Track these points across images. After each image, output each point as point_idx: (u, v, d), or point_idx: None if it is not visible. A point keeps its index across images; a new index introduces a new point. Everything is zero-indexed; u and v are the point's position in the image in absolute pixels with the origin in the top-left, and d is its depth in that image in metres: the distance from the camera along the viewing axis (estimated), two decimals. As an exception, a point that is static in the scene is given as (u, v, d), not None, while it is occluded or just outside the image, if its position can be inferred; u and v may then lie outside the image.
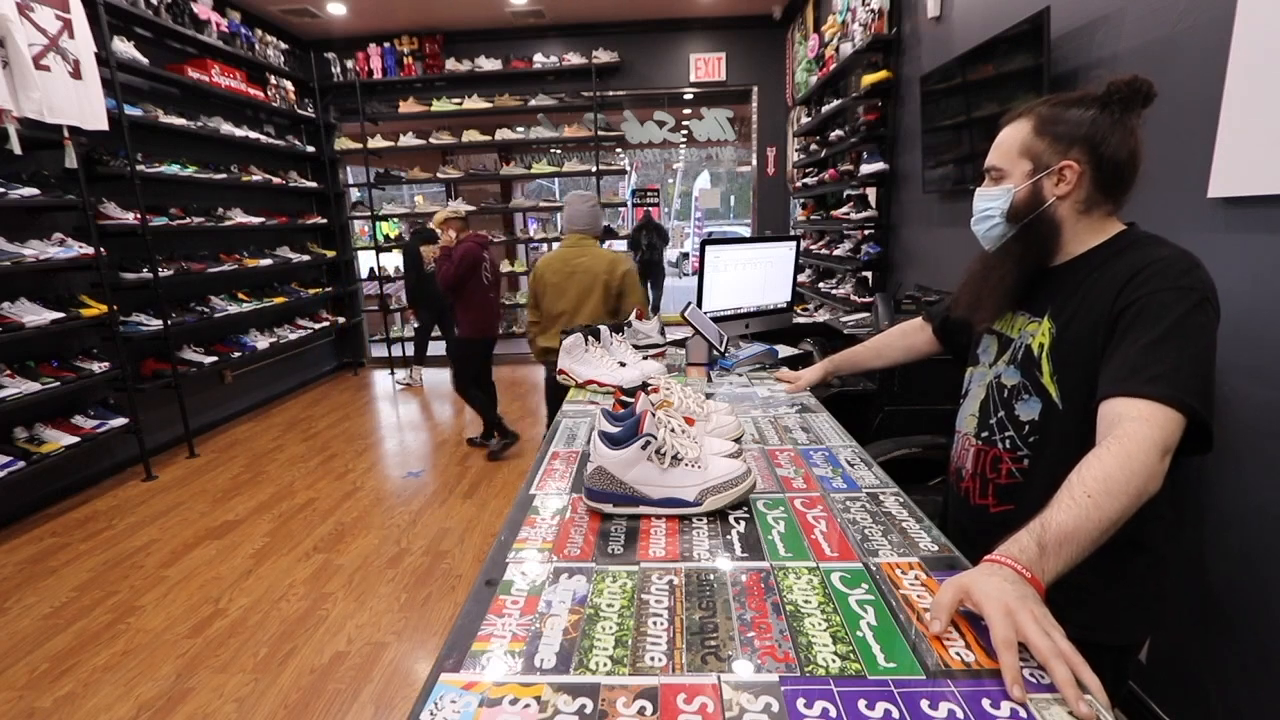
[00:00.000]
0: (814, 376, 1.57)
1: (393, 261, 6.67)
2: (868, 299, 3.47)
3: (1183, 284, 0.84)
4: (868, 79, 3.31)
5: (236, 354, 4.50)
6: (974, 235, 1.08)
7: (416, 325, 5.59)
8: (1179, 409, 0.78)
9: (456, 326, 3.71)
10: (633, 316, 2.06)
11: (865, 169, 3.40)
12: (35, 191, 3.02)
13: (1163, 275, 0.85)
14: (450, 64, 5.70)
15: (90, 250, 3.25)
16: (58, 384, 3.08)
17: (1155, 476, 0.76)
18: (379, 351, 6.50)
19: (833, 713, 0.56)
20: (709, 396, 1.51)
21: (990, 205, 1.01)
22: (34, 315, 3.00)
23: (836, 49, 3.87)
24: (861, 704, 0.57)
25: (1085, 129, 0.91)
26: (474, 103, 5.75)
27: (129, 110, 3.62)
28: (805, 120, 4.67)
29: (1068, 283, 0.97)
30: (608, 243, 6.46)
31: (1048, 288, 1.00)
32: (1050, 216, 0.96)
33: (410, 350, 5.95)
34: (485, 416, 3.88)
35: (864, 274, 3.65)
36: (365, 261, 6.61)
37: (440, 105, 5.75)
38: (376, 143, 5.88)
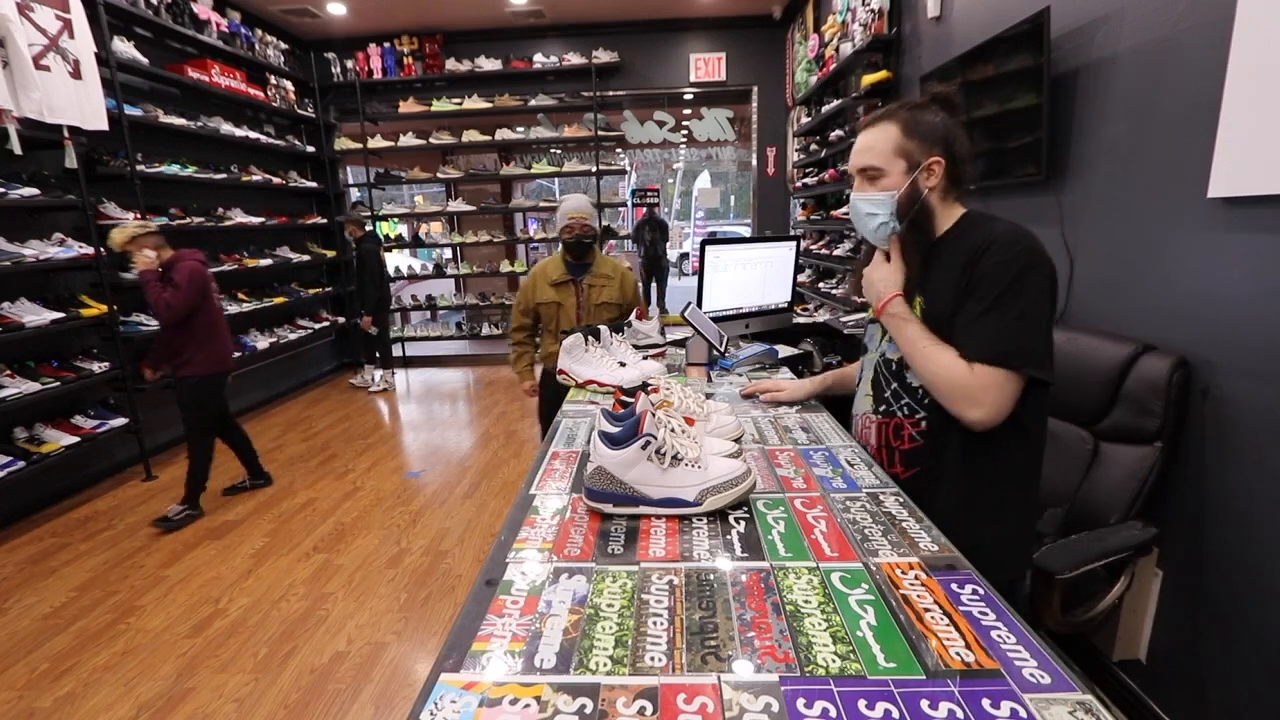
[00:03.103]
0: (802, 391, 1.51)
1: (393, 261, 6.65)
2: (868, 299, 3.46)
3: (1007, 257, 1.01)
4: (868, 79, 3.31)
5: (236, 354, 4.49)
6: None
7: (375, 331, 5.34)
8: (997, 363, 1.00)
9: (185, 365, 2.96)
10: (633, 316, 2.06)
11: (865, 169, 3.40)
12: (35, 191, 3.02)
13: (995, 249, 1.02)
14: (450, 64, 5.70)
15: (90, 250, 3.25)
16: (58, 384, 3.08)
17: (963, 399, 1.02)
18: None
19: (833, 713, 0.56)
20: (709, 396, 1.51)
21: (877, 208, 1.12)
22: (34, 315, 3.00)
23: (836, 49, 3.87)
24: (861, 704, 0.57)
25: (942, 130, 1.08)
26: (474, 103, 5.75)
27: (129, 110, 3.62)
28: (805, 120, 4.67)
29: (932, 264, 1.12)
30: (608, 243, 6.48)
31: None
32: (927, 205, 1.11)
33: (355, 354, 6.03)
34: (198, 474, 3.06)
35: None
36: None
37: (440, 105, 5.75)
38: (376, 143, 5.88)
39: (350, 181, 6.42)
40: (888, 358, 1.19)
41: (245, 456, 3.35)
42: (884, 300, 1.13)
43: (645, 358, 1.74)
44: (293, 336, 5.17)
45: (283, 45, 5.37)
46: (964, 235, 1.09)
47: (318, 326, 5.59)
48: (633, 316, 2.06)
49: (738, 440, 1.19)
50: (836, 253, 4.02)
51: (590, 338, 1.68)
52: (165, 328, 2.94)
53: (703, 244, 2.08)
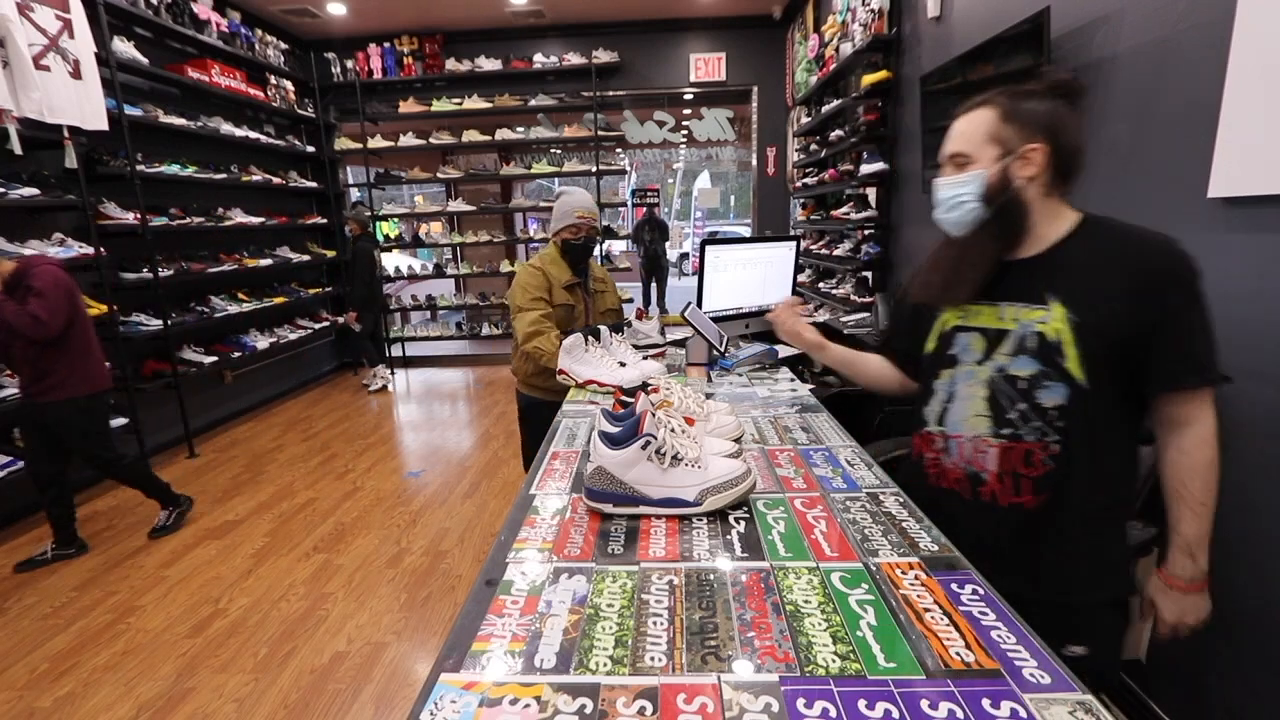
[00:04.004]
0: (816, 340, 1.44)
1: (393, 261, 6.64)
2: (868, 299, 3.47)
3: (1188, 273, 0.94)
4: (868, 79, 3.31)
5: (236, 354, 4.49)
6: None
7: (358, 328, 5.32)
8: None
9: (54, 390, 2.52)
10: (633, 316, 2.06)
11: (865, 169, 3.40)
12: (35, 191, 3.02)
13: (1181, 266, 0.94)
14: (450, 64, 5.69)
15: (90, 250, 3.25)
16: (58, 384, 3.07)
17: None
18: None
19: (833, 713, 0.56)
20: (709, 396, 1.51)
21: (962, 190, 1.03)
22: (34, 315, 3.00)
23: (836, 49, 3.87)
24: (861, 704, 0.57)
25: (1047, 117, 0.98)
26: (474, 103, 5.75)
27: (129, 110, 3.62)
28: (805, 120, 4.67)
29: (1064, 269, 1.00)
30: (608, 243, 6.48)
31: (1038, 276, 1.02)
32: (1020, 198, 1.00)
33: (346, 354, 6.20)
34: (147, 483, 2.91)
35: (864, 274, 3.65)
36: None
37: (440, 105, 5.75)
38: (376, 143, 5.88)
39: (350, 181, 6.42)
40: (1010, 374, 1.02)
41: (59, 518, 2.74)
42: (1192, 584, 1.00)
43: (645, 358, 1.74)
44: (293, 336, 5.17)
45: (283, 45, 5.36)
46: (1104, 238, 0.99)
47: (318, 326, 5.59)
48: (632, 316, 2.06)
49: (738, 440, 1.19)
50: (836, 253, 4.02)
51: (590, 338, 1.68)
52: (33, 344, 2.44)
53: (703, 244, 2.08)
